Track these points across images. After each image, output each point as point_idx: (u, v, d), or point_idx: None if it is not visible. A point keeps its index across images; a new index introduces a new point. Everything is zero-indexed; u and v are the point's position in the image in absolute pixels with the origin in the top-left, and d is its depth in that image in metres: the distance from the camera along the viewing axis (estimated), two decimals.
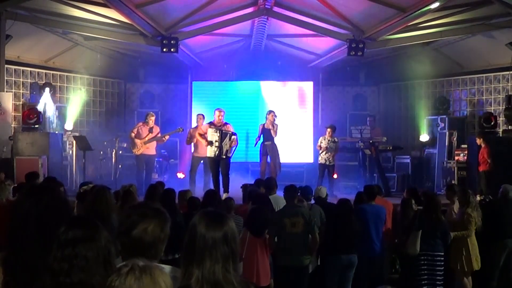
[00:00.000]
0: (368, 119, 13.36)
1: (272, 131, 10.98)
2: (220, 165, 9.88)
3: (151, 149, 10.94)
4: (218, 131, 9.75)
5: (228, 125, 10.11)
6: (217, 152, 9.69)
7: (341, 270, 6.01)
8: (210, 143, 9.75)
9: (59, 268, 1.94)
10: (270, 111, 11.30)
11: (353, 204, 6.55)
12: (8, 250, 2.44)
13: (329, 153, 11.30)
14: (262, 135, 11.08)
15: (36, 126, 10.71)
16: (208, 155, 9.92)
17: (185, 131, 11.88)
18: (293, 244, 5.68)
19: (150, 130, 10.96)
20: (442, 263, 5.85)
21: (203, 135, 10.05)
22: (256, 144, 11.29)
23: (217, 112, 10.10)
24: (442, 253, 5.85)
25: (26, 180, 7.24)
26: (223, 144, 9.67)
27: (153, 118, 11.11)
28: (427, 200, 6.15)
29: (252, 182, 8.51)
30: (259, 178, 8.83)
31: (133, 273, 1.79)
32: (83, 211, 4.85)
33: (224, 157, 9.73)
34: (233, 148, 9.91)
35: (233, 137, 9.76)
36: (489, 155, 10.32)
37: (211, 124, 10.08)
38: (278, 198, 6.90)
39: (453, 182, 10.88)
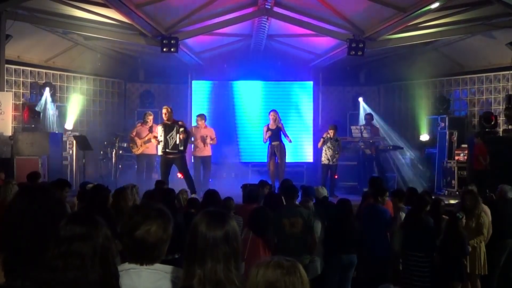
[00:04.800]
0: (365, 116, 13.34)
1: (287, 138, 11.05)
2: (176, 165, 9.74)
3: (151, 148, 10.87)
4: (162, 126, 9.71)
5: (180, 122, 9.99)
6: (163, 147, 9.62)
7: (341, 270, 6.01)
8: (158, 140, 9.71)
9: (55, 264, 1.93)
10: (273, 110, 11.31)
11: (360, 203, 6.51)
12: (7, 251, 2.42)
13: (331, 153, 11.28)
14: (270, 136, 11.00)
15: (36, 126, 10.69)
16: (159, 153, 9.87)
17: None
18: (292, 244, 5.67)
19: (150, 130, 10.93)
20: (423, 264, 5.66)
21: (156, 137, 9.91)
22: (265, 141, 11.21)
23: (163, 110, 9.97)
24: (422, 254, 5.68)
25: (28, 180, 7.21)
26: (168, 137, 9.58)
27: (151, 117, 11.13)
28: (414, 199, 6.16)
29: (250, 182, 8.47)
30: (264, 179, 8.68)
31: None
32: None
33: (175, 151, 9.58)
34: (184, 141, 9.68)
35: (181, 129, 9.60)
36: (480, 152, 10.27)
37: (162, 123, 10.00)
38: None
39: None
